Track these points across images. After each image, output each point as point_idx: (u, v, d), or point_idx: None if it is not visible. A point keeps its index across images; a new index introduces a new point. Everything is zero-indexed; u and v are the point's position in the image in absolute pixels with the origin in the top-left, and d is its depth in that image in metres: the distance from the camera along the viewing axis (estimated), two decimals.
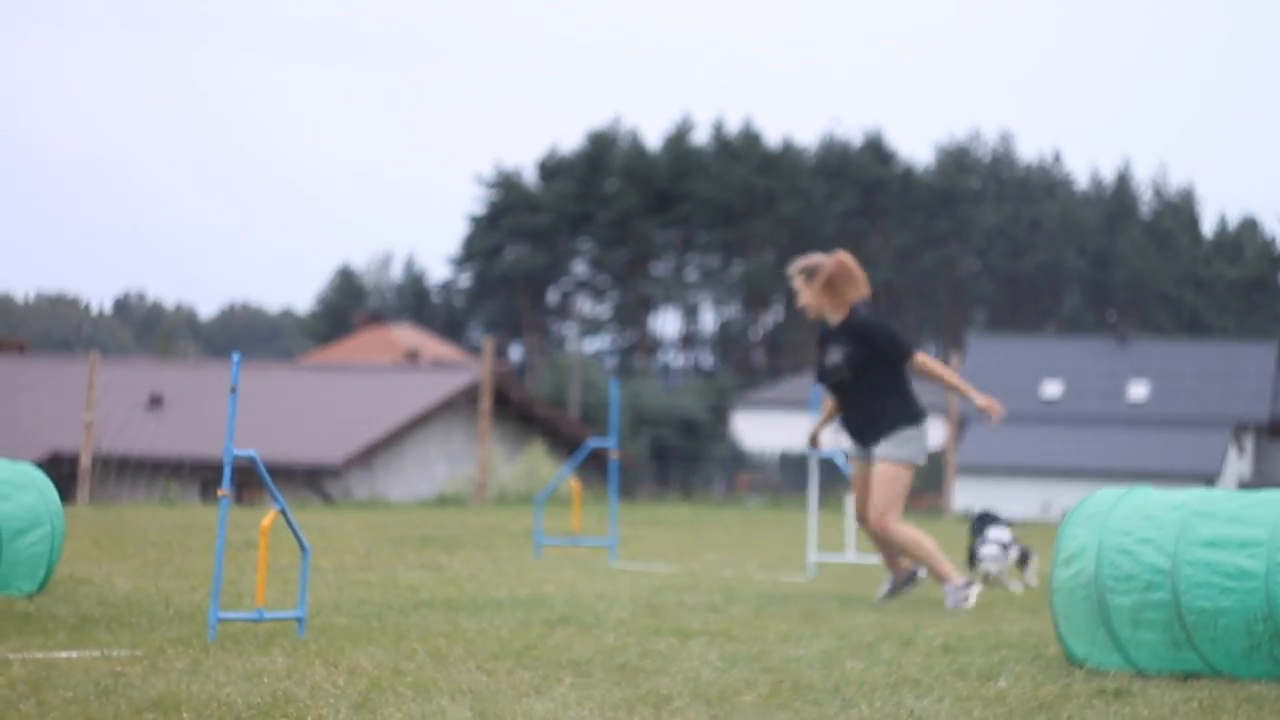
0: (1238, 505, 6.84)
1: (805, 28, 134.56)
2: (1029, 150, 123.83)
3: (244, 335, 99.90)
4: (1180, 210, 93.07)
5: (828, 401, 10.74)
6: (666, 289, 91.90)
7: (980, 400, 10.27)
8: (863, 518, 10.58)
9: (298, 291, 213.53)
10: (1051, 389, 63.37)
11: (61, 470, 19.70)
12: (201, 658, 6.71)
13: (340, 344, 74.18)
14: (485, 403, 23.31)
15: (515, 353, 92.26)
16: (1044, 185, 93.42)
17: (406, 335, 72.79)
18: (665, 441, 58.97)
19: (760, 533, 18.26)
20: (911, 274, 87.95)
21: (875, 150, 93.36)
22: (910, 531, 10.38)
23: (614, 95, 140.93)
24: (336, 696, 5.91)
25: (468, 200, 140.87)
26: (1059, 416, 61.90)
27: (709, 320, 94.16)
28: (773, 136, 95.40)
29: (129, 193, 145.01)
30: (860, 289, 10.46)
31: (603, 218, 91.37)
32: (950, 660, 7.29)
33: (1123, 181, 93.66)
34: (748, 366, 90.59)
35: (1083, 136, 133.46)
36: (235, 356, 7.37)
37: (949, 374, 10.44)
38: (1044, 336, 75.53)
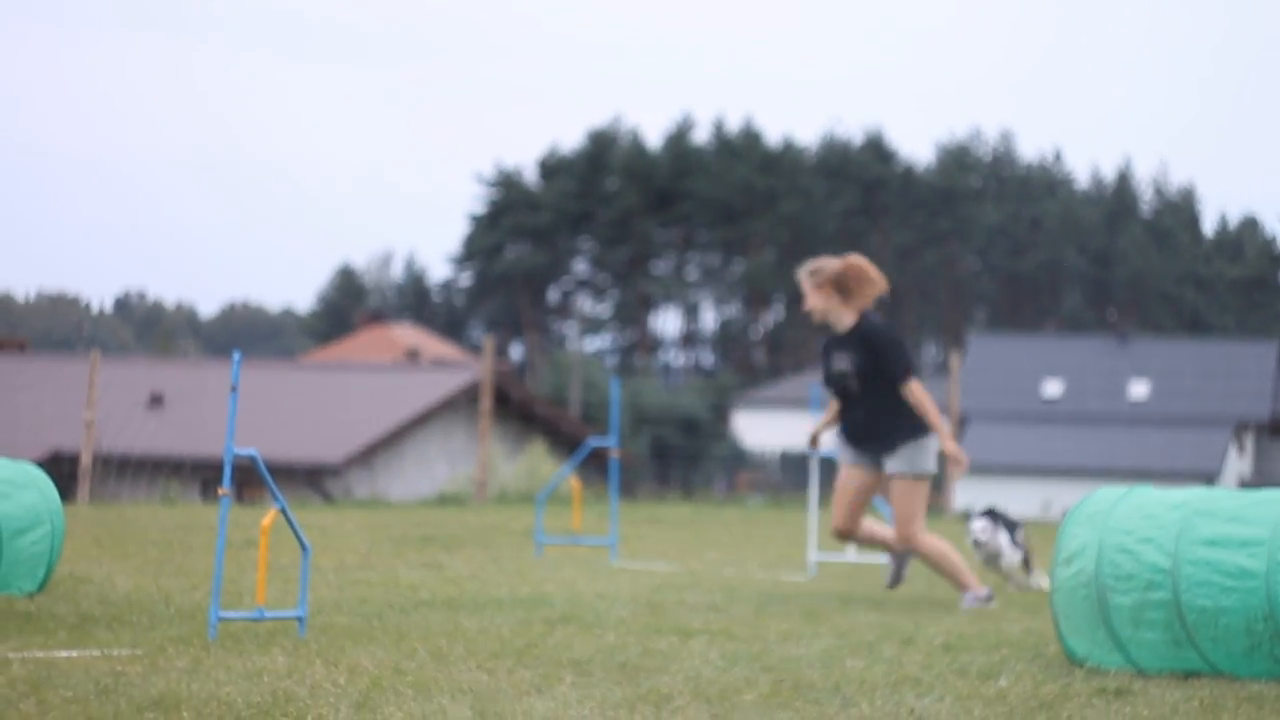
0: (1238, 504, 6.84)
1: (805, 27, 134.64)
2: (1029, 149, 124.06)
3: (244, 334, 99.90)
4: (1181, 209, 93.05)
5: (833, 403, 10.62)
6: (667, 288, 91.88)
7: (949, 447, 10.16)
8: (839, 525, 10.40)
9: (298, 290, 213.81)
10: (1052, 388, 63.34)
11: (62, 469, 19.70)
12: (202, 657, 6.71)
13: (341, 343, 74.16)
14: (486, 402, 23.31)
15: (516, 352, 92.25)
16: (1044, 184, 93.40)
17: (407, 334, 72.76)
18: (666, 440, 58.95)
19: (761, 532, 18.24)
20: (912, 273, 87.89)
21: (875, 149, 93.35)
22: (936, 543, 10.33)
23: (614, 94, 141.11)
24: (337, 696, 5.91)
25: (468, 199, 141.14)
26: (1059, 415, 61.88)
27: (709, 319, 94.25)
28: (773, 135, 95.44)
29: (129, 192, 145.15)
30: (876, 287, 10.31)
31: (603, 216, 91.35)
32: (951, 659, 7.29)
33: (1123, 180, 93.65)
34: (748, 365, 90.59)
35: (1083, 135, 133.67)
36: (236, 355, 7.37)
37: (931, 410, 10.20)
38: (1044, 335, 75.53)
